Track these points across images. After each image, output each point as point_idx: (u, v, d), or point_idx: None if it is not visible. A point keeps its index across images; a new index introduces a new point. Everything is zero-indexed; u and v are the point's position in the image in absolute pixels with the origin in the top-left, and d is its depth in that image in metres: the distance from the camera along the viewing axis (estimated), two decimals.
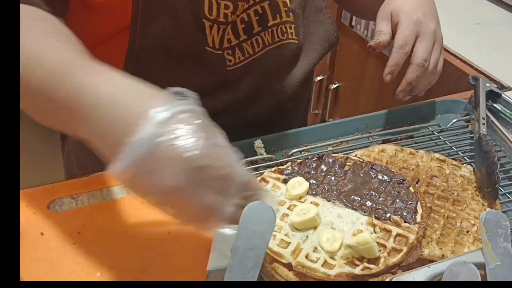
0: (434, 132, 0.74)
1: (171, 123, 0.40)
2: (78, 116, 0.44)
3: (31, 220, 0.57)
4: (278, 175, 0.61)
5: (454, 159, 0.66)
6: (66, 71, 0.46)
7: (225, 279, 0.39)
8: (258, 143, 0.70)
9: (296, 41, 0.75)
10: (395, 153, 0.66)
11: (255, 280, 0.38)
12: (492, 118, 0.73)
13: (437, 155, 0.65)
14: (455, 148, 0.71)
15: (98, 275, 0.51)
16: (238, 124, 0.71)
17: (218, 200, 0.41)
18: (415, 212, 0.55)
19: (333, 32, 0.80)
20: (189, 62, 0.67)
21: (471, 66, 0.92)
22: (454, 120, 0.75)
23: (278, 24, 0.72)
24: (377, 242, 0.52)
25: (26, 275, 0.50)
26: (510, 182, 0.65)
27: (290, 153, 0.70)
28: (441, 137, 0.73)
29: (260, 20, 0.70)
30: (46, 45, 0.49)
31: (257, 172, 0.65)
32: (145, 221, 0.58)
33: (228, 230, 0.47)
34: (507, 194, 0.63)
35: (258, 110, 0.75)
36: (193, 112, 0.42)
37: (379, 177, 0.60)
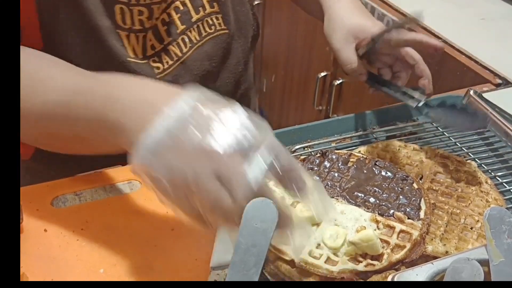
0: (438, 128, 0.73)
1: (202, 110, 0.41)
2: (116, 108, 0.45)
3: (35, 217, 0.57)
4: None
5: (458, 155, 0.66)
6: (89, 84, 0.48)
7: (227, 276, 0.39)
8: None
9: (227, 31, 0.71)
10: (398, 149, 0.65)
11: (258, 277, 0.38)
12: (494, 113, 0.72)
13: (441, 151, 0.65)
14: (459, 144, 0.70)
15: (101, 272, 0.51)
16: None
17: (229, 202, 0.40)
18: (419, 208, 0.55)
19: (250, 11, 0.77)
20: None
21: (476, 62, 0.92)
22: None
23: (203, 18, 0.68)
24: (381, 239, 0.52)
25: (29, 271, 0.50)
26: None
27: (293, 149, 0.69)
28: (445, 133, 0.72)
29: (183, 17, 0.66)
30: (51, 70, 0.50)
31: None
32: (148, 218, 0.58)
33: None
34: (511, 190, 0.63)
35: None
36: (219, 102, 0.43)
37: (383, 173, 0.59)
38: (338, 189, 0.58)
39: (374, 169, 0.60)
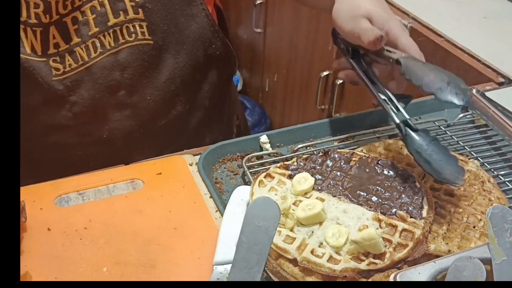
0: (441, 127, 0.73)
1: None
2: None
3: (38, 216, 0.57)
4: (284, 171, 0.60)
5: (461, 154, 0.66)
6: None
7: (229, 274, 0.39)
8: (263, 138, 0.70)
9: (151, 42, 0.65)
10: (401, 148, 0.65)
11: (260, 275, 0.38)
12: (492, 108, 0.72)
13: None
14: (462, 143, 0.70)
15: (104, 270, 0.52)
16: (90, 141, 0.65)
17: None
18: (421, 207, 0.55)
19: (208, 27, 0.69)
20: None
21: (479, 60, 0.92)
22: (461, 115, 0.75)
23: (123, 23, 0.63)
24: (383, 237, 0.52)
25: (32, 270, 0.50)
26: None
27: (296, 148, 0.70)
28: (448, 132, 0.72)
29: (98, 19, 0.61)
30: None
31: (262, 168, 0.65)
32: (151, 217, 0.58)
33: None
34: None
35: (115, 126, 0.66)
36: None
37: (385, 172, 0.59)
38: (340, 188, 0.58)
39: (377, 168, 0.60)
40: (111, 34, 0.62)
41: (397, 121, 0.60)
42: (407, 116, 0.60)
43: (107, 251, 0.53)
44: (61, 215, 0.57)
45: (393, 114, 0.60)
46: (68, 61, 0.61)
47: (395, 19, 0.62)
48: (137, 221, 0.57)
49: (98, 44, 0.62)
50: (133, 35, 0.63)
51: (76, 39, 0.61)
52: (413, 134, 0.59)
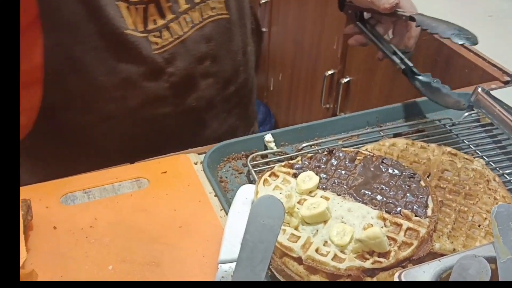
0: (446, 125, 0.73)
1: None
2: None
3: (44, 214, 0.57)
4: (288, 169, 0.61)
5: (466, 152, 0.66)
6: None
7: (234, 272, 0.39)
8: (268, 137, 0.70)
9: (228, 16, 0.72)
10: (406, 147, 0.65)
11: (264, 273, 0.38)
12: (497, 106, 0.72)
13: (448, 148, 0.65)
14: (467, 141, 0.70)
15: (110, 268, 0.52)
16: (179, 111, 0.71)
17: None
18: (426, 206, 0.55)
19: (250, 19, 0.79)
20: (112, 51, 0.65)
21: (484, 59, 0.91)
22: (466, 114, 0.75)
23: (206, 0, 0.70)
24: (388, 236, 0.52)
25: (38, 268, 0.50)
26: None
27: (300, 147, 0.70)
28: (453, 131, 0.72)
29: None
30: None
31: (267, 167, 0.65)
32: (156, 215, 0.58)
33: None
34: None
35: (200, 95, 0.73)
36: None
37: (390, 171, 0.59)
38: (345, 186, 0.58)
39: (381, 166, 0.60)
40: (197, 10, 0.69)
41: (403, 67, 0.71)
42: (410, 64, 0.72)
43: (112, 249, 0.54)
44: (67, 213, 0.58)
45: (398, 61, 0.72)
46: (165, 36, 0.67)
47: None
48: (142, 220, 0.57)
49: (188, 19, 0.69)
50: (214, 11, 0.71)
51: (170, 16, 0.67)
52: (417, 76, 0.72)
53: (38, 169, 0.75)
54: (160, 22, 0.66)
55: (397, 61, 0.72)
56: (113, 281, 0.49)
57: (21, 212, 0.54)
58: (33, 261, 0.52)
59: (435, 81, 0.71)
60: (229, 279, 0.51)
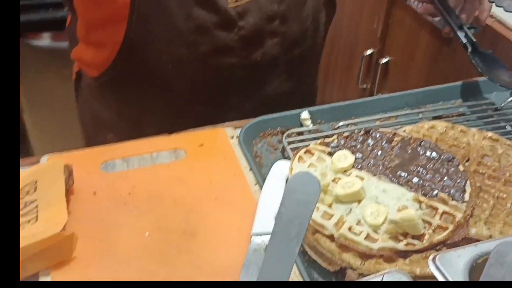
0: (488, 110, 0.71)
1: None
2: None
3: (85, 180, 0.59)
4: (324, 148, 0.60)
5: (509, 138, 0.64)
6: None
7: (268, 245, 0.40)
8: (304, 114, 0.69)
9: None
10: (445, 130, 0.64)
11: (298, 247, 0.39)
12: None
13: (490, 133, 0.63)
14: (510, 127, 0.68)
15: (146, 235, 0.54)
16: (245, 64, 0.74)
17: None
18: (464, 191, 0.54)
19: None
20: None
21: None
22: (510, 99, 0.72)
23: None
24: (423, 219, 0.51)
25: (78, 232, 0.52)
26: None
27: (337, 126, 0.69)
28: (495, 116, 0.70)
29: None
30: None
31: (302, 144, 0.65)
32: (192, 186, 0.59)
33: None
34: None
35: (266, 51, 0.75)
36: None
37: (428, 154, 0.59)
38: (381, 167, 0.57)
39: (419, 149, 0.59)
40: None
41: (464, 41, 0.72)
42: (473, 39, 0.72)
43: (149, 217, 0.55)
44: (107, 180, 0.60)
45: (462, 36, 0.73)
46: None
47: None
48: (179, 190, 0.59)
49: None
50: None
51: None
52: (476, 51, 0.72)
53: (109, 106, 0.80)
54: None
55: (461, 35, 0.73)
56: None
57: (63, 177, 0.56)
58: (73, 224, 0.53)
59: (495, 58, 0.71)
60: (262, 252, 0.51)
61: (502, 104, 0.72)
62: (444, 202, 0.53)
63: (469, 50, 0.72)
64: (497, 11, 0.95)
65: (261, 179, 0.60)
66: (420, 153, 0.59)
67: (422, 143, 0.60)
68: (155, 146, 0.64)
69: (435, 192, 0.54)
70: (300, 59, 0.81)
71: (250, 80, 0.77)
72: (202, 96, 0.76)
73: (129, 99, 0.77)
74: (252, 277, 0.48)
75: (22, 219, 0.52)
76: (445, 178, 0.55)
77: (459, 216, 0.51)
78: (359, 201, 0.54)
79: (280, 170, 0.60)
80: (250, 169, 0.62)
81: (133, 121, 0.78)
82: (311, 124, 0.69)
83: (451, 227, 0.51)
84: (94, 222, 0.55)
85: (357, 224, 0.52)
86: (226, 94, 0.77)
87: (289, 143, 0.65)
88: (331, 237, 0.52)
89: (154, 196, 0.58)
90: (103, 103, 0.80)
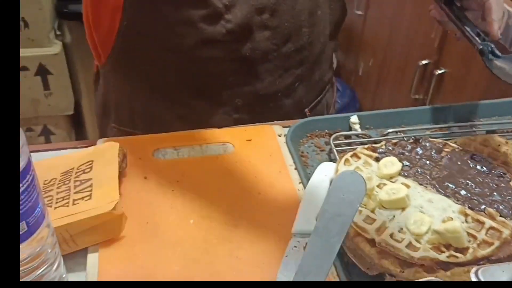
0: None
1: None
2: None
3: (137, 165, 0.62)
4: (371, 153, 0.60)
5: None
6: None
7: (309, 240, 0.41)
8: (354, 118, 0.70)
9: None
10: (499, 145, 0.63)
11: (339, 245, 0.39)
12: None
13: None
14: None
15: (191, 222, 0.55)
16: (234, 58, 0.73)
17: None
18: None
19: None
20: None
21: None
22: None
23: None
24: (468, 232, 0.51)
25: (128, 212, 0.54)
26: None
27: (386, 132, 0.69)
28: None
29: None
30: None
31: (349, 148, 0.65)
32: (238, 180, 0.61)
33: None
34: None
35: (255, 46, 0.73)
36: None
37: (478, 167, 0.57)
38: (428, 177, 0.57)
39: (469, 161, 0.58)
40: None
41: (480, 46, 0.64)
42: (491, 45, 0.64)
43: (195, 205, 0.57)
44: (158, 166, 0.62)
45: (478, 41, 0.65)
46: None
47: None
48: (225, 182, 0.60)
49: None
50: None
51: None
52: (495, 57, 0.63)
53: (111, 92, 0.81)
54: None
55: (477, 40, 0.65)
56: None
57: (118, 159, 0.59)
58: (124, 205, 0.55)
59: None
60: (301, 250, 0.52)
61: None
62: (492, 217, 0.52)
63: (485, 55, 0.63)
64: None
65: (305, 178, 0.61)
66: (470, 166, 0.58)
67: (473, 156, 0.59)
68: (205, 138, 0.66)
69: (483, 206, 0.53)
70: (297, 55, 0.78)
71: (240, 75, 0.75)
72: (191, 88, 0.75)
73: (125, 87, 0.78)
74: (291, 272, 0.49)
75: (76, 196, 0.55)
76: (495, 193, 0.54)
77: (506, 232, 0.50)
78: (403, 209, 0.54)
79: (325, 172, 0.60)
80: (295, 167, 0.63)
81: (131, 109, 0.79)
82: (360, 129, 0.69)
83: (497, 243, 0.50)
84: (143, 204, 0.57)
85: (399, 231, 0.52)
86: (215, 88, 0.75)
87: (336, 145, 0.66)
88: (372, 242, 0.52)
89: (201, 186, 0.59)
90: (110, 91, 0.81)
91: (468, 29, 0.66)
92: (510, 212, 0.52)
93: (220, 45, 0.71)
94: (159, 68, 0.74)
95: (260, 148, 0.65)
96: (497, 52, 0.63)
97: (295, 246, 0.52)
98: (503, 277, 0.41)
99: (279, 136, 0.68)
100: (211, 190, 0.59)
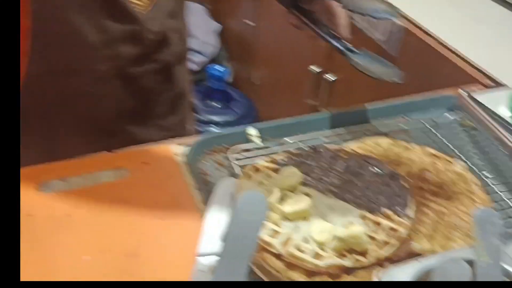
0: (428, 126, 0.74)
1: None
2: None
3: (21, 202, 0.56)
4: (271, 165, 0.60)
5: (448, 154, 0.66)
6: None
7: (216, 267, 0.39)
8: (251, 130, 0.69)
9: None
10: (388, 146, 0.66)
11: (246, 268, 0.38)
12: (479, 109, 0.73)
13: (431, 150, 0.65)
14: (449, 143, 0.71)
15: (86, 258, 0.51)
16: (159, 68, 0.73)
17: None
18: (407, 206, 0.55)
19: None
20: (103, 10, 0.66)
21: (467, 62, 0.92)
22: (449, 115, 0.75)
23: None
24: (368, 235, 0.52)
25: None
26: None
27: (284, 142, 0.69)
28: (435, 132, 0.73)
29: None
30: None
31: (249, 160, 0.64)
32: (137, 206, 0.57)
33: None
34: (499, 191, 0.63)
35: (172, 50, 0.75)
36: None
37: (372, 170, 0.60)
38: (328, 184, 0.58)
39: (364, 165, 0.60)
40: None
41: (340, 47, 0.70)
42: (347, 43, 0.71)
43: (90, 239, 0.53)
44: (44, 201, 0.56)
45: (335, 43, 0.71)
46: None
47: None
48: (122, 210, 0.56)
49: None
50: None
51: None
52: (354, 54, 0.70)
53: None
54: None
55: (334, 42, 0.70)
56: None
57: None
58: None
59: (373, 56, 0.70)
60: (207, 272, 0.50)
61: (442, 121, 0.75)
62: (389, 218, 0.54)
63: (346, 54, 0.70)
64: (435, 30, 1.00)
65: (207, 197, 0.59)
66: (365, 170, 0.60)
67: (367, 160, 0.61)
68: (96, 165, 0.61)
69: (380, 208, 0.55)
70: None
71: (165, 84, 0.75)
72: (127, 111, 0.73)
73: (44, 138, 0.72)
74: None
75: None
76: (389, 194, 0.56)
77: (402, 231, 0.52)
78: (306, 219, 0.54)
79: (226, 188, 0.59)
80: (196, 187, 0.61)
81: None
82: (258, 141, 0.69)
83: (395, 243, 0.51)
84: (27, 245, 0.51)
85: (304, 241, 0.52)
86: (149, 105, 0.74)
87: (236, 159, 0.65)
88: (278, 255, 0.51)
89: (95, 217, 0.55)
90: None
91: (323, 30, 0.71)
92: (404, 211, 0.54)
93: (146, 58, 0.70)
94: (91, 100, 0.70)
95: (158, 170, 0.62)
96: (354, 49, 0.69)
97: (201, 270, 0.50)
98: (404, 277, 0.42)
99: (177, 155, 0.65)
100: (108, 220, 0.55)
